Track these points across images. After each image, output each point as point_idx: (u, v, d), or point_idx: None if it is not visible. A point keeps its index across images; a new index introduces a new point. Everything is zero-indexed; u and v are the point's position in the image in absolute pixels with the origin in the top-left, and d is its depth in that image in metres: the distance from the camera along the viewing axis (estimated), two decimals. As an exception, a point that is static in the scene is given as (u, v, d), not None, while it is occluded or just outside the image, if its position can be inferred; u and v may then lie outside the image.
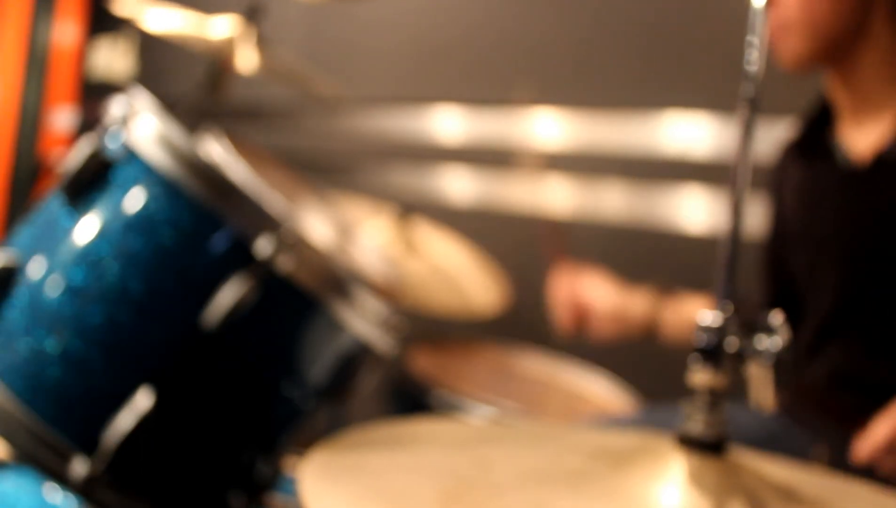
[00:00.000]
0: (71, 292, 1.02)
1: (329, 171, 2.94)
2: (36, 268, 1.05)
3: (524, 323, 2.25)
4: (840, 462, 1.18)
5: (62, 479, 1.01)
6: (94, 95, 3.79)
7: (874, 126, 1.32)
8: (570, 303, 1.63)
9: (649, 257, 2.28)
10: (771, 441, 1.30)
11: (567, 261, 1.72)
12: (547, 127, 2.49)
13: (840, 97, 1.37)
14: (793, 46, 1.31)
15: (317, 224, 1.39)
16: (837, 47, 1.30)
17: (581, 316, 1.63)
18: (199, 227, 1.04)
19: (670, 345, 1.63)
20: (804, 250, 1.41)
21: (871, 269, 1.31)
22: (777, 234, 1.49)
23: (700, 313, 1.61)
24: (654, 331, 1.61)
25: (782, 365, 0.68)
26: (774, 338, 0.69)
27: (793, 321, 1.42)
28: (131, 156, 1.06)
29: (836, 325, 1.35)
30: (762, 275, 1.52)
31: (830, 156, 1.37)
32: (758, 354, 0.69)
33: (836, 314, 1.35)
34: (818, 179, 1.39)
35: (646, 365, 2.01)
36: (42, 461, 1.01)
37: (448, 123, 2.71)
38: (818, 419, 1.35)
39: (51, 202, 1.11)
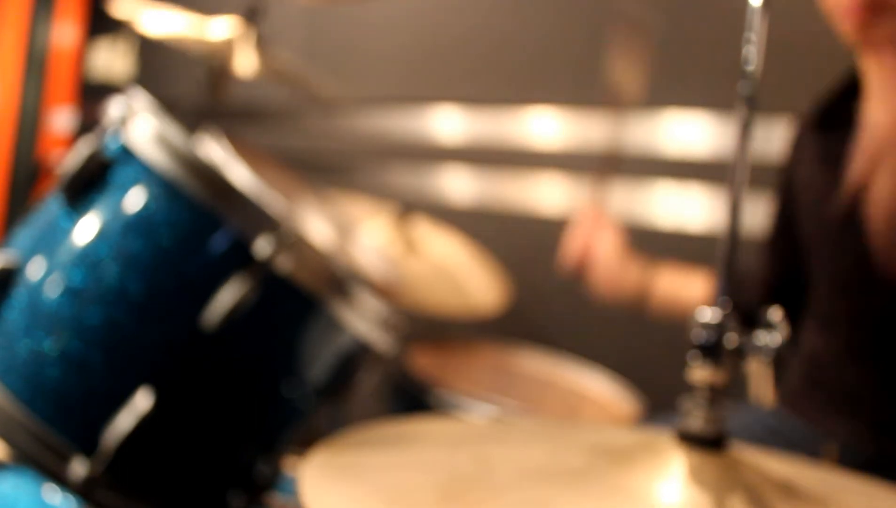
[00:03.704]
0: (70, 293, 1.02)
1: (329, 171, 2.94)
2: (35, 269, 1.05)
3: (524, 322, 2.25)
4: (849, 460, 1.18)
5: (61, 480, 1.01)
6: (93, 96, 3.79)
7: None
8: (581, 246, 1.68)
9: (649, 255, 2.28)
10: (773, 439, 1.30)
11: (600, 208, 1.75)
12: (547, 126, 2.49)
13: (873, 73, 1.35)
14: (887, 27, 1.24)
15: (317, 224, 1.39)
16: None
17: (585, 262, 1.67)
18: (198, 227, 1.04)
19: (665, 330, 1.64)
20: (818, 218, 1.40)
21: (886, 241, 1.31)
22: (788, 212, 1.49)
23: (694, 288, 1.57)
24: (646, 299, 1.65)
25: (781, 361, 0.68)
26: (774, 334, 0.69)
27: (798, 305, 1.43)
28: (130, 157, 1.06)
29: (848, 293, 1.35)
30: (765, 261, 1.52)
31: (854, 128, 1.36)
32: (757, 350, 0.69)
33: (849, 282, 1.35)
34: (839, 149, 1.38)
35: (646, 364, 2.01)
36: (41, 461, 1.01)
37: (448, 123, 2.71)
38: (826, 408, 1.35)
39: (50, 203, 1.11)
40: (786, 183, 1.50)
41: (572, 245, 1.71)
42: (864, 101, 1.37)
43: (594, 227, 1.70)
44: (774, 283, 1.51)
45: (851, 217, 1.34)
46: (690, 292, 1.63)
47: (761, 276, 1.53)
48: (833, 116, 1.40)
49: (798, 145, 1.48)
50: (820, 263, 1.40)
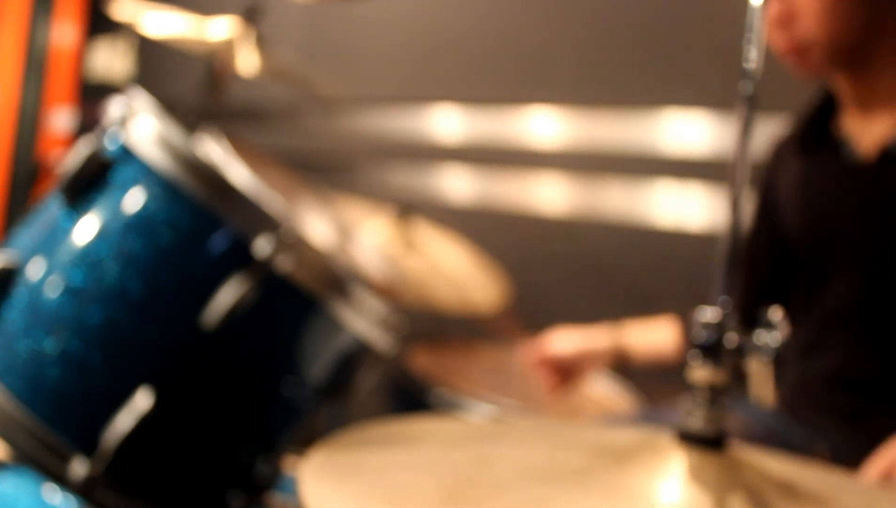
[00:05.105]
0: (70, 292, 1.02)
1: (329, 171, 2.94)
2: (35, 269, 1.05)
3: (524, 322, 2.25)
4: (840, 461, 1.18)
5: (61, 480, 1.01)
6: (92, 96, 3.78)
7: (881, 120, 1.32)
8: (544, 365, 1.68)
9: (649, 255, 2.28)
10: (769, 438, 1.30)
11: (521, 335, 1.77)
12: (547, 126, 2.49)
13: (847, 91, 1.36)
14: (816, 63, 1.33)
15: (316, 224, 1.39)
16: (855, 52, 1.32)
17: (559, 371, 1.68)
18: (198, 227, 1.04)
19: (647, 365, 1.66)
20: (803, 242, 1.40)
21: (873, 263, 1.31)
22: (767, 226, 1.48)
23: (662, 334, 1.59)
24: (625, 360, 1.66)
25: (782, 361, 0.68)
26: (774, 334, 0.68)
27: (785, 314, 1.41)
28: (130, 157, 1.06)
29: (839, 320, 1.35)
30: (743, 270, 1.51)
31: (834, 148, 1.37)
32: (757, 350, 0.69)
33: (839, 309, 1.35)
34: (821, 172, 1.39)
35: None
36: (41, 461, 1.01)
37: (447, 123, 2.71)
38: (819, 418, 1.35)
39: (50, 203, 1.11)
40: (767, 191, 1.49)
41: (540, 373, 1.70)
42: (841, 116, 1.38)
43: (538, 346, 1.69)
44: (757, 289, 1.49)
45: (840, 248, 1.34)
46: (662, 340, 1.62)
47: (744, 285, 1.50)
48: (812, 138, 1.41)
49: (778, 161, 1.48)
50: (806, 288, 1.39)
